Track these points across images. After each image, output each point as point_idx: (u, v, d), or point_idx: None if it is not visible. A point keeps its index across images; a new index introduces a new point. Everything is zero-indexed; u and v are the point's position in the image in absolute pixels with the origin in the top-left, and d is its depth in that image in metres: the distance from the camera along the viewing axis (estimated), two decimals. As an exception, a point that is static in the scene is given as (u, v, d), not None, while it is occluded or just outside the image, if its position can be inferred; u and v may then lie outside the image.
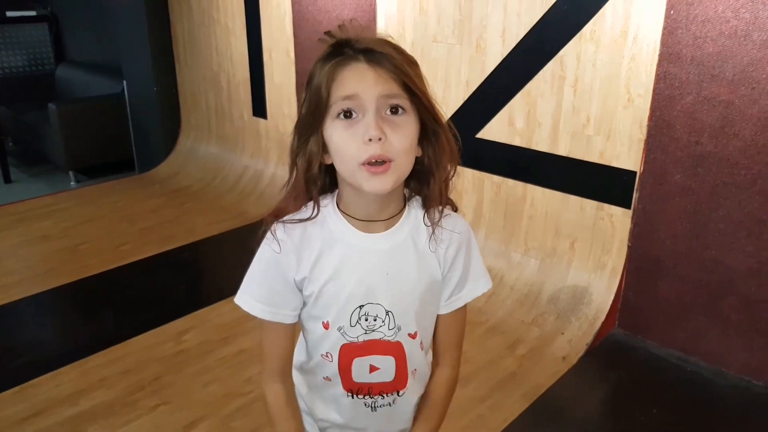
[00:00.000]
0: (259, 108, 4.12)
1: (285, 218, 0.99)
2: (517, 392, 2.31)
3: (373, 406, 1.07)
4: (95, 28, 5.52)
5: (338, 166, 0.93)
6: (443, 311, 1.06)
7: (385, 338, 1.01)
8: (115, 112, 4.90)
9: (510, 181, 2.82)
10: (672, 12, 2.18)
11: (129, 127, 4.92)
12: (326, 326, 1.01)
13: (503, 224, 2.90)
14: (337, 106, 0.89)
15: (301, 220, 0.97)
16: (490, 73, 2.75)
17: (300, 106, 0.96)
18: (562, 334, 2.57)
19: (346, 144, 0.89)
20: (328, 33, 0.94)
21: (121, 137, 4.95)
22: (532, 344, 2.56)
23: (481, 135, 2.85)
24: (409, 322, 1.01)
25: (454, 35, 2.83)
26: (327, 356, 1.03)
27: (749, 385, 2.31)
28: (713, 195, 2.26)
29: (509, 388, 2.33)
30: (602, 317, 2.54)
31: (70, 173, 4.91)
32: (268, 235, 0.99)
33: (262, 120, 4.14)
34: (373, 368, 1.03)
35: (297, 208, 0.99)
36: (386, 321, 1.00)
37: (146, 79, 4.62)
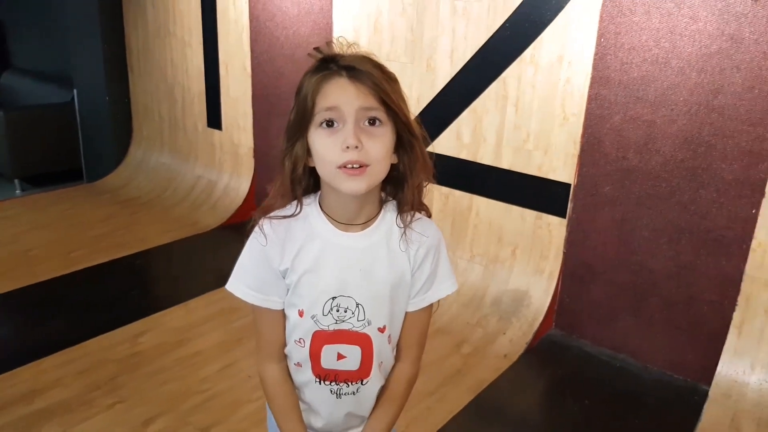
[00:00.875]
0: (214, 120, 4.19)
1: (271, 215, 1.08)
2: (462, 387, 2.46)
3: (338, 393, 1.14)
4: (43, 36, 5.45)
5: (319, 169, 1.03)
6: (410, 309, 1.14)
7: (354, 329, 1.09)
8: (64, 120, 4.86)
9: (457, 192, 3.02)
10: (602, 40, 2.43)
11: (78, 136, 4.89)
12: (301, 314, 1.09)
13: (451, 233, 3.08)
14: (320, 115, 0.99)
15: (285, 217, 1.07)
16: (440, 90, 2.95)
17: (289, 113, 1.05)
18: (504, 334, 2.75)
19: (327, 150, 0.99)
20: (317, 48, 1.05)
21: (69, 146, 4.90)
22: (477, 344, 2.73)
23: (430, 149, 3.02)
24: (380, 316, 1.10)
25: (406, 54, 3.02)
26: (300, 342, 1.11)
27: (671, 379, 2.55)
28: (638, 205, 2.51)
29: (455, 383, 2.49)
30: (540, 318, 2.74)
31: (16, 181, 4.82)
32: (256, 229, 1.08)
33: (216, 131, 4.22)
34: (340, 356, 1.11)
35: (283, 206, 1.08)
36: (356, 313, 1.09)
37: (98, 89, 4.62)
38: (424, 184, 1.11)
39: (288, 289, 1.10)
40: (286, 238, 1.07)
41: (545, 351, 2.73)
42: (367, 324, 1.10)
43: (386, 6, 3.05)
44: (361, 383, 1.14)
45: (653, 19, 2.29)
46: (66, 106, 4.87)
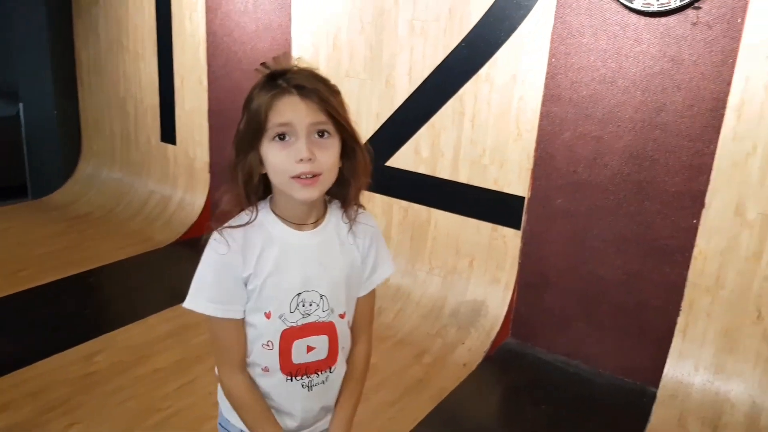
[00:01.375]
0: (168, 134, 4.15)
1: (227, 224, 1.12)
2: (424, 396, 2.51)
3: (309, 385, 1.19)
4: (-14, 48, 5.29)
5: (273, 178, 1.10)
6: (361, 293, 1.24)
7: (320, 320, 1.16)
8: (8, 135, 4.71)
9: (416, 206, 3.09)
10: (553, 60, 2.56)
11: (23, 151, 4.73)
12: (268, 316, 1.13)
13: (410, 245, 3.14)
14: (273, 130, 1.06)
15: (240, 226, 1.11)
16: (399, 107, 3.02)
17: (238, 124, 1.11)
18: (463, 343, 2.82)
19: (281, 161, 1.06)
20: (263, 64, 1.12)
21: (13, 162, 4.75)
22: (437, 353, 2.78)
23: (390, 163, 3.10)
24: (340, 304, 1.18)
25: (365, 71, 3.09)
26: (268, 345, 1.15)
27: (621, 382, 2.67)
28: (588, 217, 2.63)
29: (417, 392, 2.53)
30: (497, 327, 2.83)
31: (-47, 198, 4.63)
32: (213, 239, 1.11)
33: (170, 146, 4.17)
34: (309, 348, 1.17)
35: (236, 214, 1.13)
36: (320, 304, 1.15)
37: (45, 103, 4.51)
38: (364, 185, 1.20)
39: (249, 296, 1.14)
40: (245, 245, 1.11)
41: (502, 359, 2.81)
42: (330, 312, 1.17)
43: (345, 24, 3.12)
44: (330, 371, 1.21)
45: (600, 41, 2.43)
46: (10, 120, 4.72)
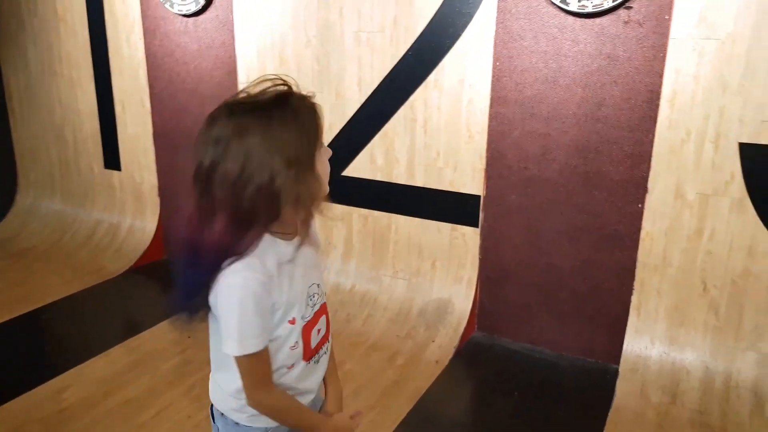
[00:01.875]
0: (112, 160, 4.06)
1: (235, 259, 1.07)
2: (401, 397, 2.57)
3: (317, 360, 1.29)
4: None
5: (317, 193, 1.12)
6: None
7: (320, 303, 1.27)
8: (-66, 172, 4.47)
9: (375, 213, 3.15)
10: (497, 63, 2.69)
11: (-48, 187, 4.51)
12: (293, 322, 1.17)
13: (372, 252, 3.20)
14: (320, 139, 1.14)
15: (253, 255, 1.09)
16: (351, 117, 3.08)
17: (291, 147, 1.06)
18: (433, 341, 2.90)
19: (326, 169, 1.17)
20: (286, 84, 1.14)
21: (-58, 199, 4.51)
22: (408, 354, 2.86)
23: (346, 173, 3.16)
24: (323, 284, 1.30)
25: (314, 84, 3.14)
26: (294, 345, 1.19)
27: (585, 363, 2.82)
28: (541, 210, 2.77)
29: (394, 394, 2.59)
30: (464, 323, 2.93)
31: None
32: (240, 279, 1.06)
33: (115, 172, 4.08)
34: (318, 331, 1.27)
35: (249, 246, 1.08)
36: (318, 291, 1.26)
37: (-26, 136, 4.31)
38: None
39: (275, 314, 1.15)
40: (265, 272, 1.10)
41: (472, 353, 2.91)
42: (323, 294, 1.29)
43: (290, 38, 3.16)
44: (329, 342, 1.34)
45: (541, 43, 2.57)
46: (-64, 156, 4.49)
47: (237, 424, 1.26)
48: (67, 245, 4.13)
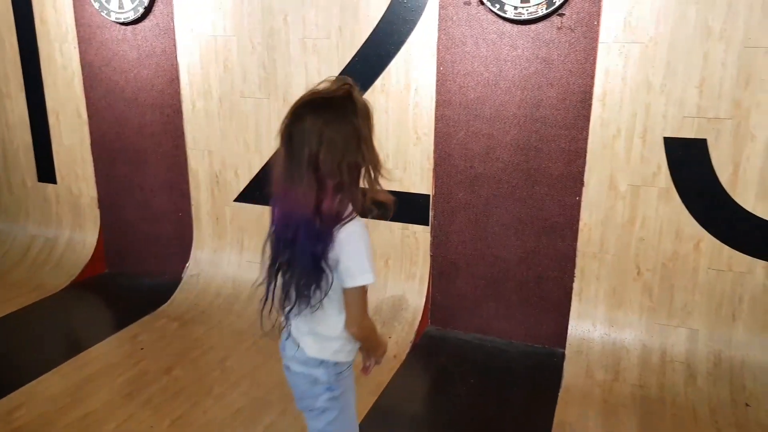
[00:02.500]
0: (46, 172, 3.92)
1: (348, 215, 1.43)
2: (363, 392, 2.63)
3: None
4: None
5: (380, 162, 1.45)
6: None
7: None
8: None
9: (326, 215, 3.21)
10: (441, 68, 2.82)
11: None
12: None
13: (324, 253, 3.26)
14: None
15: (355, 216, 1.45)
16: (298, 122, 3.13)
17: (360, 131, 1.36)
18: (390, 337, 3.00)
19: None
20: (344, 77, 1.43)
21: None
22: (367, 351, 2.93)
23: (295, 177, 3.20)
24: None
25: (261, 91, 3.17)
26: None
27: (533, 348, 2.99)
28: (487, 206, 2.92)
29: (356, 390, 2.66)
30: (419, 318, 3.04)
31: None
32: (357, 226, 1.44)
33: (50, 185, 3.94)
34: None
35: (349, 210, 1.43)
36: None
37: None
38: None
39: None
40: None
41: (427, 345, 3.02)
42: None
43: (234, 46, 3.18)
44: None
45: (481, 49, 2.72)
46: None
47: (336, 363, 1.56)
48: (1, 263, 3.96)
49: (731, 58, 2.39)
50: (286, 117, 1.40)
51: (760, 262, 2.56)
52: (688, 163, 2.54)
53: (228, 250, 3.55)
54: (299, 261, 1.40)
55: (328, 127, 1.33)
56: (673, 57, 2.45)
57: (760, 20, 2.32)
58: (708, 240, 2.60)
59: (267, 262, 1.49)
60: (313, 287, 1.40)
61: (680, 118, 2.50)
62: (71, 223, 3.96)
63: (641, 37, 2.47)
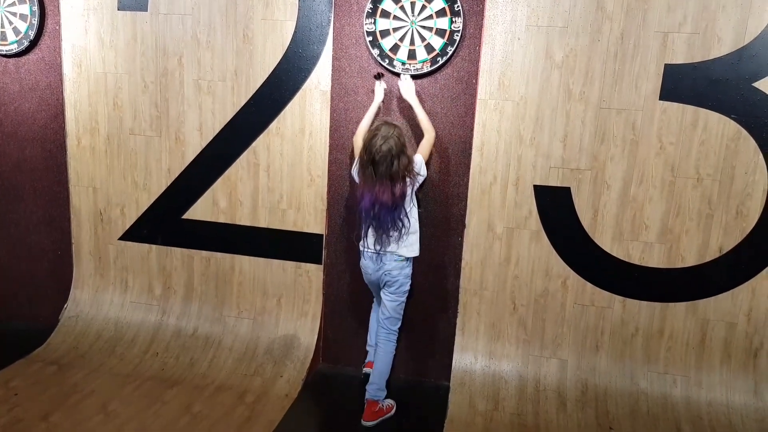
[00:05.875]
0: None
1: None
2: (255, 430, 2.64)
3: None
4: None
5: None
6: None
7: None
8: None
9: (218, 255, 3.21)
10: (334, 115, 2.96)
11: None
12: None
13: (215, 293, 3.24)
14: None
15: None
16: (191, 161, 3.14)
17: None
18: (281, 376, 3.01)
19: None
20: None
21: None
22: (258, 391, 2.93)
23: (187, 216, 3.18)
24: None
25: (152, 128, 3.15)
26: None
27: (420, 382, 3.12)
28: (377, 246, 3.05)
29: (247, 429, 2.65)
30: (311, 356, 3.08)
31: None
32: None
33: None
34: None
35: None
36: None
37: None
38: None
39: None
40: None
41: (319, 383, 3.07)
42: None
43: (126, 83, 3.15)
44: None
45: (371, 99, 2.90)
46: None
47: (413, 258, 2.74)
48: None
49: (589, 117, 2.73)
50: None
51: (618, 298, 2.88)
52: (555, 209, 2.83)
53: (110, 290, 3.42)
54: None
55: (396, 140, 2.50)
56: (541, 114, 2.76)
57: (611, 86, 2.68)
58: (573, 278, 2.89)
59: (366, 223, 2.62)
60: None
61: (547, 168, 2.80)
62: (-69, 262, 3.64)
63: (513, 96, 2.76)
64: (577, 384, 2.91)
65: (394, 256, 2.67)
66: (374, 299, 3.03)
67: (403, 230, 2.61)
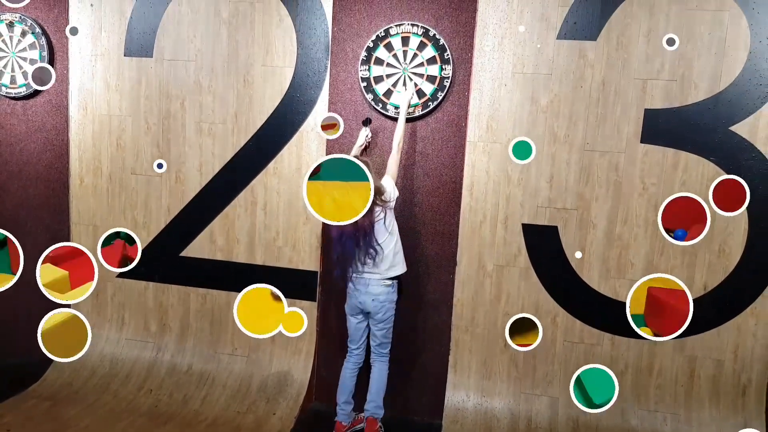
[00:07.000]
0: None
1: None
2: (247, 469, 2.65)
3: None
4: None
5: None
6: None
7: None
8: None
9: (214, 292, 3.27)
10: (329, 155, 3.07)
11: None
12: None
13: (210, 331, 3.28)
14: None
15: None
16: (190, 200, 3.23)
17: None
18: (274, 414, 3.02)
19: None
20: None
21: None
22: (251, 428, 2.94)
23: (185, 253, 3.25)
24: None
25: (154, 168, 3.25)
26: None
27: (413, 420, 3.13)
28: (370, 283, 3.11)
29: (240, 467, 2.66)
30: (303, 393, 3.10)
31: None
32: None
33: None
34: None
35: None
36: None
37: None
38: None
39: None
40: None
41: (311, 421, 3.07)
42: None
43: (129, 125, 3.27)
44: None
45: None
46: None
47: (400, 276, 2.81)
48: None
49: (574, 159, 2.84)
50: None
51: (606, 335, 2.93)
52: (543, 247, 2.91)
53: (107, 327, 3.46)
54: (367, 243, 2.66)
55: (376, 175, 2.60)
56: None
57: (594, 129, 2.80)
58: (563, 315, 2.95)
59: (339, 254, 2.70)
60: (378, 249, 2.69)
61: (535, 208, 2.89)
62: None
63: (501, 138, 2.88)
64: (568, 422, 2.93)
65: (380, 281, 2.75)
66: (348, 349, 2.95)
67: (377, 257, 2.69)
